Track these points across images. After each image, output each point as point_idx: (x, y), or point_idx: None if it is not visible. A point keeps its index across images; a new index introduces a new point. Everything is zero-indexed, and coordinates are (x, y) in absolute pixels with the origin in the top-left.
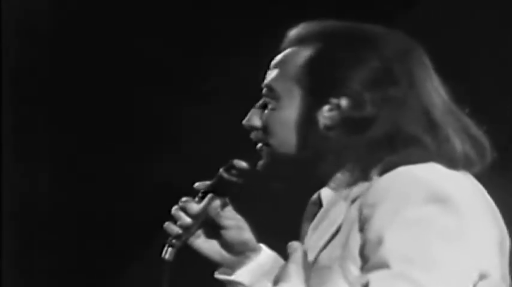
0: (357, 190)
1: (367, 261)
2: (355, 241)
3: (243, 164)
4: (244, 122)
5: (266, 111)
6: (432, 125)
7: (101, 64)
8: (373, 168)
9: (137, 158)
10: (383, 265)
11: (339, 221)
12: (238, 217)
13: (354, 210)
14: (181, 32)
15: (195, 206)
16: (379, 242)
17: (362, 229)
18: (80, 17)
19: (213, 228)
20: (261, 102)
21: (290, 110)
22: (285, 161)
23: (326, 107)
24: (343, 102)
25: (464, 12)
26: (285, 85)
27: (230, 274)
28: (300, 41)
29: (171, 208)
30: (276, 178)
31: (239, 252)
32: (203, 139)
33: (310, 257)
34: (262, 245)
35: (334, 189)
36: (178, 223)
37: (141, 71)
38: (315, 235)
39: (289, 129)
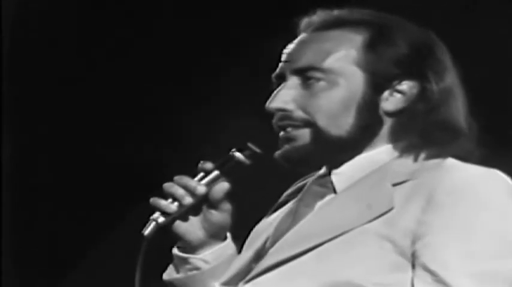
0: (399, 171)
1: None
2: (411, 222)
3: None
4: (270, 104)
5: (309, 91)
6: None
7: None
8: (421, 153)
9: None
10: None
11: (386, 203)
12: None
13: (405, 193)
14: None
15: (202, 187)
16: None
17: (427, 219)
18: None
19: (207, 206)
20: (290, 83)
21: (349, 91)
22: (327, 144)
23: (387, 92)
24: (411, 88)
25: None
26: (343, 66)
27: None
28: (336, 25)
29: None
30: (301, 163)
31: (215, 235)
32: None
33: (324, 236)
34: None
35: (342, 174)
36: (176, 200)
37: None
38: (332, 211)
39: (347, 110)
